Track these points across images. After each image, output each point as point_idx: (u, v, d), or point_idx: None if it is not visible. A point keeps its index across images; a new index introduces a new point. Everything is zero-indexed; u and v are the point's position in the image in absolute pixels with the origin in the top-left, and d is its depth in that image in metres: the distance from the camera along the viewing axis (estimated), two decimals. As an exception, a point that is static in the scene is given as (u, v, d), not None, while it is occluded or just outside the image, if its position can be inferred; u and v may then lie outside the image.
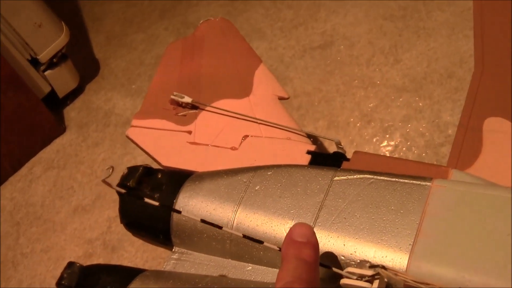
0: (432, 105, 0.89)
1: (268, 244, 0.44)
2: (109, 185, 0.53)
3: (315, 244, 0.40)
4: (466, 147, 0.57)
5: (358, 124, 0.92)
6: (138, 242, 1.02)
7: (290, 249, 0.39)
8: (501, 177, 0.51)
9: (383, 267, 0.43)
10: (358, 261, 0.45)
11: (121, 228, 1.02)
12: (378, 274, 0.43)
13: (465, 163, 0.56)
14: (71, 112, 1.31)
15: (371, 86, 0.98)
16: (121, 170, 0.60)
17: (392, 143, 0.90)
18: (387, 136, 0.91)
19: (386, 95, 0.94)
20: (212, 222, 0.52)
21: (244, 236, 0.47)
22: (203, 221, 0.48)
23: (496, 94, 0.60)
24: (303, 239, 0.39)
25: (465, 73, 0.93)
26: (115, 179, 0.58)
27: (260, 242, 0.45)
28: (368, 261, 0.45)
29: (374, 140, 0.92)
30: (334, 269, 0.45)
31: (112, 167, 0.54)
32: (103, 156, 1.18)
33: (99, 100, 1.30)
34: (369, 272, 0.43)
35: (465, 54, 0.97)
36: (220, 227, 0.48)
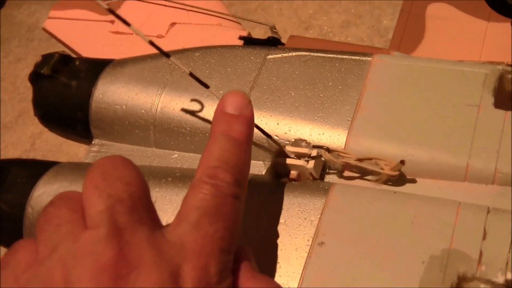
0: (372, 10, 0.85)
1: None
2: None
3: (249, 118, 0.34)
4: (408, 33, 0.54)
5: (296, 31, 0.88)
6: (63, 157, 0.97)
7: (218, 124, 0.33)
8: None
9: (328, 149, 0.40)
10: (293, 140, 0.42)
11: (45, 144, 0.97)
12: (318, 156, 0.40)
13: (408, 49, 0.53)
14: (-9, 27, 1.22)
15: (309, -7, 0.94)
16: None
17: (331, 50, 0.85)
18: (326, 44, 0.87)
19: (325, 1, 0.90)
20: (136, 107, 0.48)
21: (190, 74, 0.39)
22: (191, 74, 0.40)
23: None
24: (235, 112, 0.33)
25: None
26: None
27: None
28: (303, 140, 0.41)
29: (312, 48, 0.87)
30: (274, 140, 0.41)
31: None
32: (26, 71, 1.11)
33: (22, 14, 1.21)
34: (305, 151, 0.40)
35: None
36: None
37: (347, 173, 0.40)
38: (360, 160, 0.39)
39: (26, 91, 1.05)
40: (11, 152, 0.99)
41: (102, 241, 0.26)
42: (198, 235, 0.28)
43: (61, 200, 0.29)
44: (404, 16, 0.55)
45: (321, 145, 0.40)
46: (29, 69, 1.11)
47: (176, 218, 0.30)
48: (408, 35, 0.54)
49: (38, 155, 0.97)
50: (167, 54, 0.38)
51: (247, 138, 0.33)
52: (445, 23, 0.54)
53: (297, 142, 0.41)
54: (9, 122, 1.03)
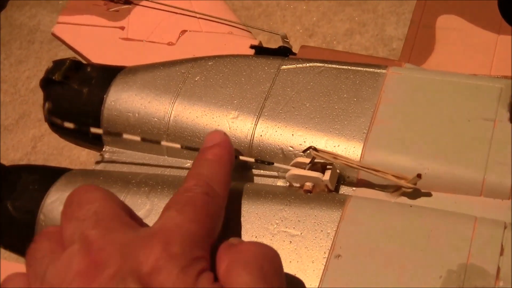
0: (376, 18, 0.85)
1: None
2: None
3: (223, 144, 0.39)
4: (418, 45, 0.54)
5: (299, 39, 0.88)
6: (65, 161, 0.96)
7: (197, 156, 0.39)
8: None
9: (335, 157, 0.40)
10: (308, 151, 0.42)
11: (46, 148, 0.97)
12: (331, 164, 0.40)
13: (418, 61, 0.53)
14: (-8, 29, 1.22)
15: (313, -1, 0.94)
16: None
17: (335, 58, 0.86)
18: (330, 51, 0.86)
19: (329, 8, 0.90)
20: (148, 116, 0.48)
21: (183, 147, 0.43)
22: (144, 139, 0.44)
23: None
24: (211, 144, 0.39)
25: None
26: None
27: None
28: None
29: (316, 56, 0.87)
30: (276, 165, 0.41)
31: None
32: (27, 74, 1.10)
33: (23, 16, 1.21)
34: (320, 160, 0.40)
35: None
36: (158, 142, 0.44)
37: (361, 186, 0.40)
38: (374, 170, 0.39)
39: (28, 93, 1.05)
40: (12, 154, 0.98)
41: (76, 254, 0.30)
42: (165, 223, 0.32)
43: (41, 236, 0.34)
44: (414, 27, 0.55)
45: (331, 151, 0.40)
46: (30, 71, 1.11)
47: None
48: (418, 46, 0.54)
49: (40, 158, 0.96)
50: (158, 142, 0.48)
51: (220, 157, 0.38)
52: (455, 35, 0.54)
53: (311, 154, 0.41)
54: (10, 125, 1.03)
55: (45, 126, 0.96)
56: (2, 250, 0.49)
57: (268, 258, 0.32)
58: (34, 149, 0.98)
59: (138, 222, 0.34)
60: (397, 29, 0.82)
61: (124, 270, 0.29)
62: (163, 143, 0.44)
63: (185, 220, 0.32)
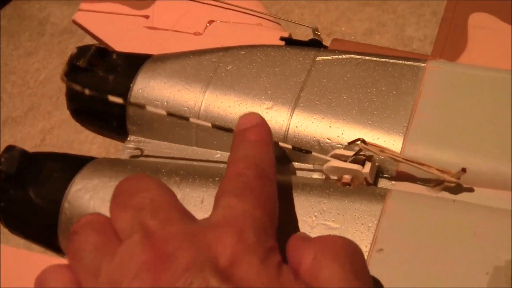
0: (396, 19, 0.85)
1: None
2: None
3: (261, 125, 0.37)
4: (449, 43, 0.53)
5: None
6: (77, 153, 0.95)
7: (236, 140, 0.37)
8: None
9: (381, 149, 0.39)
10: (346, 144, 0.41)
11: (56, 141, 0.95)
12: (371, 156, 0.39)
13: (449, 59, 0.52)
14: (1, 20, 1.20)
15: (331, -1, 0.93)
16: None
17: (352, 58, 0.85)
18: (346, 51, 0.85)
19: (348, 8, 0.89)
20: (178, 105, 0.46)
21: (214, 126, 0.42)
22: (170, 114, 0.42)
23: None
24: (248, 126, 0.37)
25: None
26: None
27: (230, 130, 0.39)
28: (357, 144, 0.40)
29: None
30: (315, 154, 0.40)
31: None
32: (36, 66, 1.09)
33: (33, 7, 1.20)
34: (350, 153, 0.39)
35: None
36: (187, 119, 0.42)
37: (400, 179, 0.40)
38: (417, 163, 0.38)
39: (36, 85, 1.03)
40: (20, 146, 0.97)
41: (137, 246, 0.27)
42: (228, 212, 0.30)
43: (85, 227, 0.31)
44: (446, 26, 0.54)
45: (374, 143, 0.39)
46: (39, 63, 1.10)
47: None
48: (449, 45, 0.53)
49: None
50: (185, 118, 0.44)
51: (262, 137, 0.36)
52: (488, 33, 0.53)
53: (350, 146, 0.40)
54: (18, 117, 1.01)
55: (55, 118, 0.95)
56: (2, 236, 0.48)
57: (357, 251, 0.30)
58: (43, 142, 0.97)
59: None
60: (418, 30, 0.82)
61: (198, 262, 0.26)
62: (192, 120, 0.42)
63: (249, 207, 0.30)
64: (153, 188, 0.31)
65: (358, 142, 0.38)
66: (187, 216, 0.30)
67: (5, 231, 0.46)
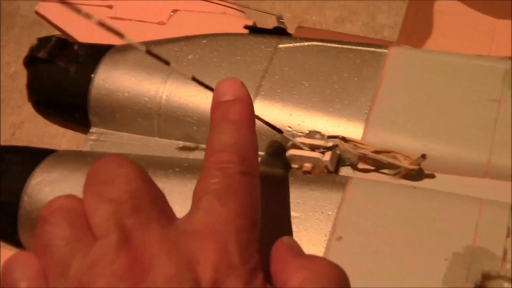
0: (367, 7, 0.84)
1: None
2: None
3: (244, 98, 0.33)
4: (415, 29, 0.53)
5: (289, 26, 0.87)
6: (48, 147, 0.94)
7: (215, 113, 0.33)
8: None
9: (344, 139, 0.38)
10: (307, 131, 0.40)
11: (25, 135, 0.94)
12: (333, 146, 0.38)
13: (415, 45, 0.52)
14: (-32, 14, 1.18)
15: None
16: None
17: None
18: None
19: (319, -4, 0.89)
20: (139, 94, 0.46)
21: (193, 79, 0.38)
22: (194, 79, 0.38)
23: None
24: (229, 97, 0.33)
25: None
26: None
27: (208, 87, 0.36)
28: (318, 132, 0.40)
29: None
30: (285, 134, 0.39)
31: None
32: (7, 59, 1.07)
33: (1, 0, 1.18)
34: (321, 143, 0.39)
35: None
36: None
37: (362, 167, 0.39)
38: (378, 152, 0.37)
39: (6, 79, 1.02)
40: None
41: (113, 249, 0.25)
42: (211, 218, 0.27)
43: (56, 215, 0.28)
44: (411, 12, 0.54)
45: (336, 135, 0.39)
46: (9, 57, 1.08)
47: (190, 209, 0.29)
48: (415, 31, 0.53)
49: (19, 146, 0.94)
50: (166, 62, 0.36)
51: (246, 117, 0.33)
52: (453, 19, 0.53)
53: (311, 134, 0.40)
54: (-12, 112, 1.00)
55: (25, 113, 0.94)
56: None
57: (345, 282, 0.28)
58: (13, 136, 0.95)
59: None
60: (389, 17, 0.81)
61: (177, 279, 0.24)
62: (173, 65, 0.37)
63: (233, 215, 0.28)
64: (133, 179, 0.28)
65: (339, 140, 0.38)
66: (167, 215, 0.28)
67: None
